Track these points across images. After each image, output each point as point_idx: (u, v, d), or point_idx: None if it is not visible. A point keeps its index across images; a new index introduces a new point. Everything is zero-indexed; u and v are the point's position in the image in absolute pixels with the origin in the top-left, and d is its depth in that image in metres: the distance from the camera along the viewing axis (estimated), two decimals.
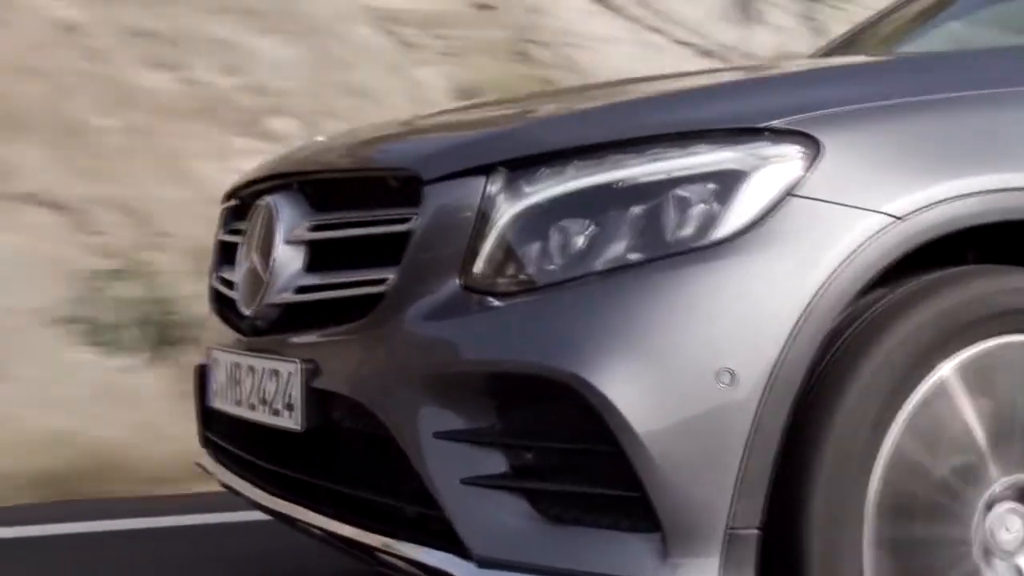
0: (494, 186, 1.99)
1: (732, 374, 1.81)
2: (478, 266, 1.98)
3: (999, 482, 1.95)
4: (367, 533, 2.11)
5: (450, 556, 1.93)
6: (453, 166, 2.03)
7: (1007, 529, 1.96)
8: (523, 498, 1.90)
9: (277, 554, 3.47)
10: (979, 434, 1.93)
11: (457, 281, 1.99)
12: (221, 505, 3.92)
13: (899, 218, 1.88)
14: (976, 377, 1.94)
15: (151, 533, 3.79)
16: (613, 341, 1.83)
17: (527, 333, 1.91)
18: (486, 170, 2.00)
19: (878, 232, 1.87)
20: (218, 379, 2.54)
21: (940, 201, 1.90)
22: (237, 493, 2.62)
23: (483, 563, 1.89)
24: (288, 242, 2.31)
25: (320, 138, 2.63)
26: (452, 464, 1.93)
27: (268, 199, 2.40)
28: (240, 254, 2.51)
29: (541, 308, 1.92)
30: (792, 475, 1.84)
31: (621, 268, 1.89)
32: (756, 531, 1.83)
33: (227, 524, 3.84)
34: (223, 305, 2.69)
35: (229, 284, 2.67)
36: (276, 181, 2.49)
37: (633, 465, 1.80)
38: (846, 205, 1.87)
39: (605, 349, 1.83)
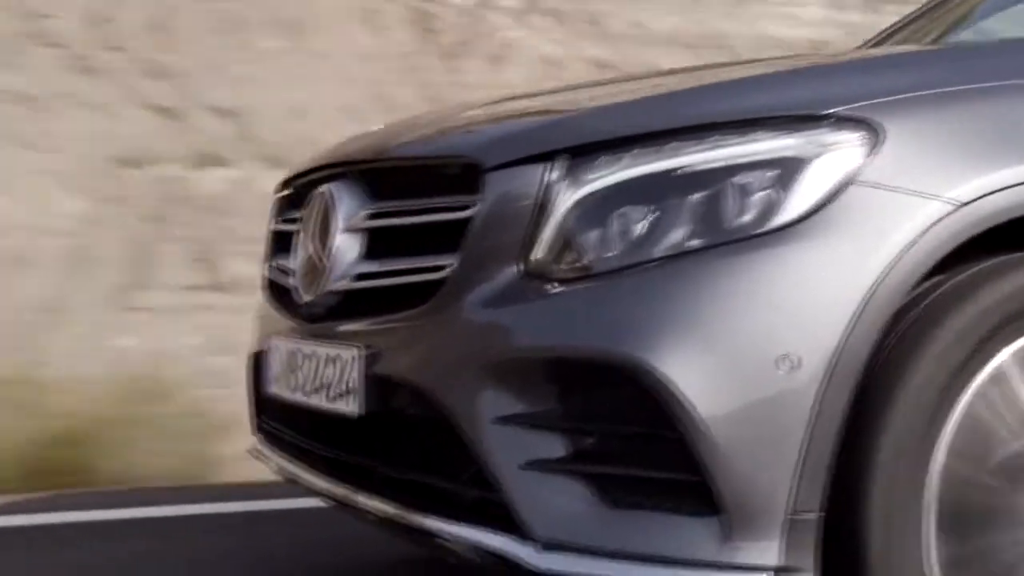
0: (554, 173, 2.01)
1: (794, 360, 1.82)
2: (538, 253, 2.00)
3: None
4: (425, 517, 2.13)
5: (511, 539, 1.96)
6: (513, 154, 2.05)
7: None
8: (584, 482, 1.92)
9: (321, 543, 3.50)
10: None
11: (517, 268, 2.01)
12: (263, 493, 4.00)
13: (962, 204, 1.88)
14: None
15: (187, 522, 3.82)
16: (675, 327, 1.85)
17: (588, 319, 1.93)
18: (546, 158, 2.02)
19: (941, 218, 1.87)
20: (276, 366, 2.57)
21: (1004, 187, 1.90)
22: (293, 478, 2.65)
23: (545, 546, 1.91)
24: (346, 230, 2.34)
25: (376, 127, 2.65)
26: (513, 449, 1.95)
27: (326, 188, 2.43)
28: (297, 242, 2.53)
29: (602, 294, 1.94)
30: (852, 460, 1.85)
31: (682, 255, 1.91)
32: (817, 515, 1.84)
33: (264, 512, 3.87)
34: (279, 293, 2.71)
35: (285, 272, 2.70)
36: (332, 170, 2.52)
37: (695, 450, 1.82)
38: (908, 191, 1.88)
39: (667, 334, 1.84)
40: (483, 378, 1.99)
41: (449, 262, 2.08)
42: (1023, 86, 2.03)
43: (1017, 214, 1.92)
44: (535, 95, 2.70)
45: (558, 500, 1.92)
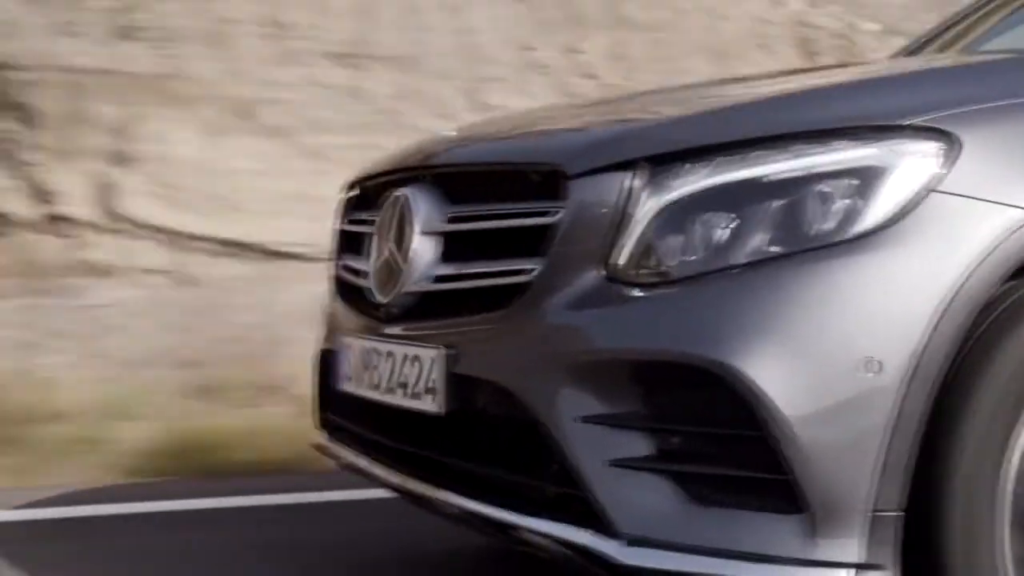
0: (637, 181, 2.07)
1: (877, 363, 1.88)
2: (621, 258, 2.07)
3: None
4: (508, 512, 2.20)
5: (596, 535, 2.02)
6: (598, 162, 2.11)
7: None
8: (669, 480, 1.99)
9: (375, 534, 3.57)
10: None
11: (600, 272, 2.08)
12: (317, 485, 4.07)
13: None
14: None
15: (253, 512, 3.88)
16: (760, 331, 1.91)
17: (673, 323, 1.99)
18: (630, 165, 2.09)
19: (1018, 226, 1.93)
20: (350, 364, 2.63)
21: None
22: (362, 473, 2.72)
23: (630, 541, 1.98)
24: (424, 233, 2.40)
25: (451, 132, 2.71)
26: (598, 447, 2.01)
27: (403, 191, 2.49)
28: (373, 244, 2.59)
29: (685, 299, 2.00)
30: (932, 460, 1.91)
31: (764, 261, 1.97)
32: (898, 512, 1.91)
33: (319, 503, 3.94)
34: (349, 292, 2.78)
35: (355, 272, 2.76)
36: (407, 174, 2.58)
37: (781, 450, 1.89)
38: (985, 200, 1.94)
39: (753, 339, 1.91)
40: (568, 379, 2.05)
41: (533, 266, 2.15)
42: None
43: None
44: (617, 101, 2.76)
45: (643, 497, 1.99)
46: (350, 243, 2.90)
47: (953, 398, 1.92)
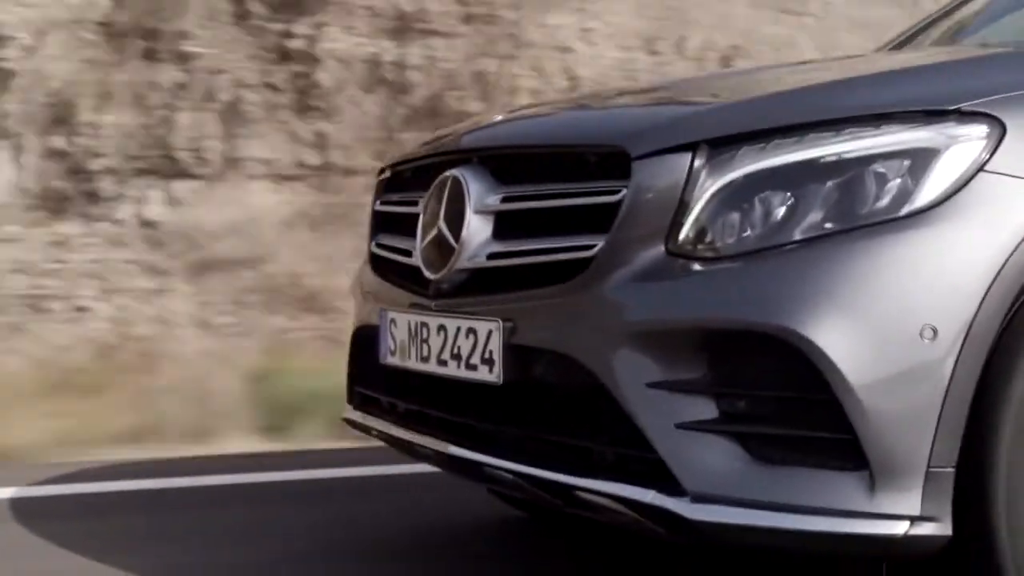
0: (699, 161, 2.21)
1: (932, 330, 2.03)
2: (683, 234, 2.20)
3: None
4: (569, 475, 2.32)
5: (661, 494, 2.15)
6: (661, 143, 2.24)
7: None
8: (733, 440, 2.12)
9: (396, 511, 3.67)
10: None
11: (663, 248, 2.21)
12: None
13: None
14: None
15: (265, 489, 3.97)
16: (825, 301, 2.05)
17: (739, 294, 2.13)
18: (690, 148, 2.22)
19: None
20: (397, 338, 2.73)
21: None
22: (403, 444, 2.83)
23: (697, 498, 2.11)
24: (478, 212, 2.51)
25: (496, 117, 2.83)
26: (665, 411, 2.14)
27: (454, 172, 2.60)
28: (419, 224, 2.69)
29: (746, 272, 2.14)
30: (981, 419, 2.07)
31: (823, 237, 2.11)
32: (951, 469, 2.06)
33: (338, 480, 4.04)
34: (391, 270, 2.88)
35: (397, 251, 2.87)
36: (455, 156, 2.69)
37: (845, 411, 2.03)
38: None
39: (819, 308, 2.05)
40: (635, 347, 2.18)
41: (595, 242, 2.27)
42: None
43: None
44: (672, 84, 2.89)
45: (708, 458, 2.12)
46: (385, 223, 3.01)
47: (1000, 362, 2.07)
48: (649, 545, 3.16)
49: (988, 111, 2.14)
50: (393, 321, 2.76)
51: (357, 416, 3.08)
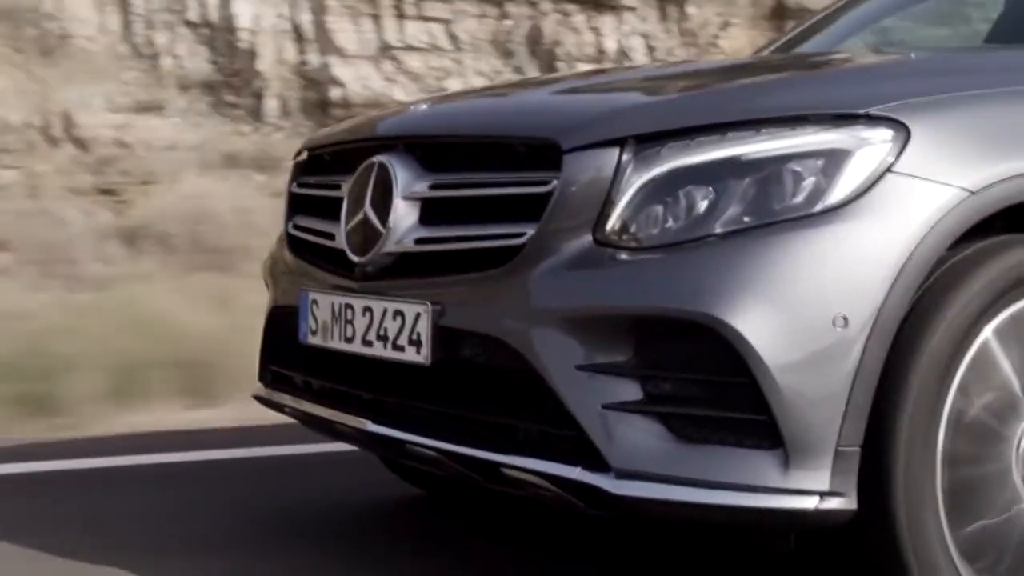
0: (626, 156, 2.33)
1: (845, 319, 2.19)
2: (610, 225, 2.32)
3: None
4: (494, 452, 2.42)
5: (587, 470, 2.27)
6: (591, 138, 2.36)
7: None
8: (657, 421, 2.25)
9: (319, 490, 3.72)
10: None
11: (591, 237, 2.32)
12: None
13: (972, 192, 2.28)
14: (1012, 332, 2.35)
15: (175, 469, 3.99)
16: (746, 290, 2.20)
17: (659, 282, 2.26)
18: (620, 142, 2.34)
19: (956, 204, 2.27)
20: (318, 318, 2.80)
21: (1005, 179, 2.31)
22: (319, 422, 2.90)
23: (621, 475, 2.24)
24: (405, 198, 2.60)
25: (423, 104, 2.91)
26: (593, 392, 2.27)
27: (381, 158, 2.67)
28: (346, 207, 2.76)
29: (672, 261, 2.27)
30: (885, 401, 2.23)
31: (741, 231, 2.25)
32: (858, 448, 2.22)
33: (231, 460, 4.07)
34: (311, 252, 2.94)
35: (313, 232, 2.93)
36: (378, 142, 2.77)
37: (763, 393, 2.17)
38: (931, 180, 2.27)
39: (740, 296, 2.19)
40: (565, 332, 2.30)
41: (527, 230, 2.38)
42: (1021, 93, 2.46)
43: (1013, 202, 2.33)
44: (602, 80, 3.00)
45: (633, 436, 2.25)
46: (302, 205, 3.06)
47: (902, 350, 2.24)
48: (540, 525, 3.28)
49: (894, 116, 2.30)
50: (315, 302, 2.82)
51: (267, 394, 3.13)
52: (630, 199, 2.32)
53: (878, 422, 2.23)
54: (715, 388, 2.23)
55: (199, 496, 3.58)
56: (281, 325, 3.04)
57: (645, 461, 2.24)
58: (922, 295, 2.28)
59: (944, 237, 2.27)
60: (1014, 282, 2.34)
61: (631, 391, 2.26)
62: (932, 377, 2.26)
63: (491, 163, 2.52)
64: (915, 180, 2.27)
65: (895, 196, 2.26)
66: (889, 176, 2.27)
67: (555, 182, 2.37)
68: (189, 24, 8.60)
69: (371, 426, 2.70)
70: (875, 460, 2.24)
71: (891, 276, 2.22)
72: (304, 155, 3.14)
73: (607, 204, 2.33)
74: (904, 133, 2.29)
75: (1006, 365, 2.35)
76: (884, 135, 2.29)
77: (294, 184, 3.13)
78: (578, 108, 2.63)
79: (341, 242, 2.76)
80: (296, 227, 3.06)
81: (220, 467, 3.97)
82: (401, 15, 9.02)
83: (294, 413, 3.02)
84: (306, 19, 8.84)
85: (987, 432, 2.34)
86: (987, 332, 2.32)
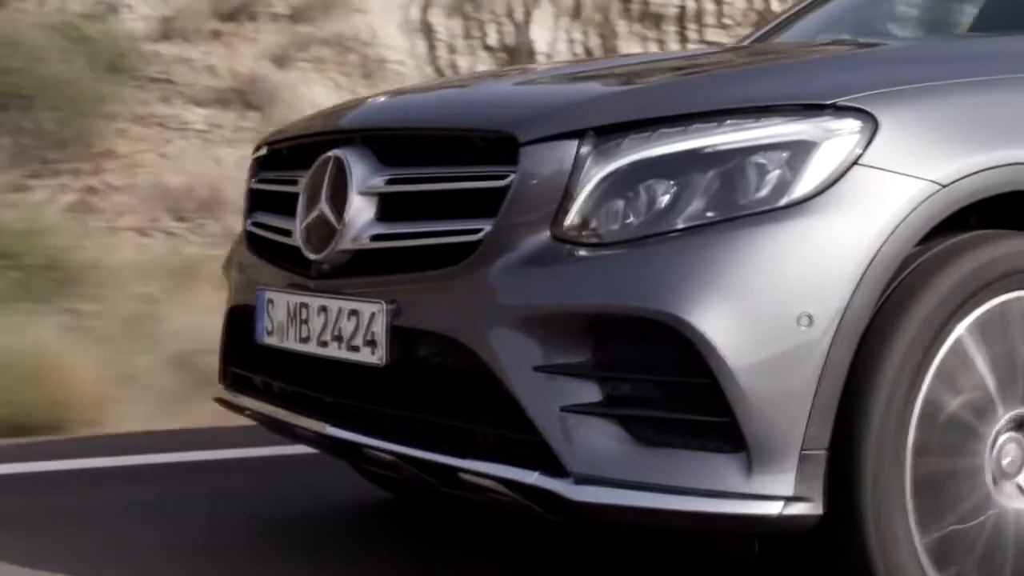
0: (585, 149, 2.25)
1: (810, 317, 2.11)
2: (569, 220, 2.24)
3: (1006, 416, 2.30)
4: (451, 457, 2.34)
5: (545, 475, 2.19)
6: (548, 130, 2.28)
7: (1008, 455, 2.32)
8: (617, 424, 2.17)
9: (286, 490, 3.65)
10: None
11: (549, 233, 2.24)
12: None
13: (943, 185, 2.20)
14: (986, 329, 2.27)
15: (150, 471, 3.91)
16: (707, 288, 2.11)
17: (619, 279, 2.18)
18: (578, 134, 2.26)
19: (926, 197, 2.19)
20: (274, 318, 2.71)
21: (977, 171, 2.23)
22: (279, 424, 2.82)
23: (580, 480, 2.16)
24: (362, 193, 2.51)
25: (381, 97, 2.82)
26: (551, 394, 2.18)
27: (337, 152, 2.59)
28: (302, 203, 2.68)
29: (631, 258, 2.19)
30: (852, 403, 2.15)
31: (704, 225, 2.17)
32: (824, 451, 2.14)
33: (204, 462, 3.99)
34: (269, 249, 2.86)
35: (274, 230, 2.84)
36: (335, 136, 2.68)
37: (725, 394, 2.09)
38: (900, 173, 2.19)
39: (701, 294, 2.11)
40: (521, 331, 2.22)
41: (482, 226, 2.29)
42: (998, 81, 2.37)
43: (987, 195, 2.25)
44: (562, 71, 2.92)
45: (592, 440, 2.17)
46: (262, 201, 2.98)
47: (871, 349, 2.16)
48: (507, 530, 3.21)
49: (862, 106, 2.22)
50: (271, 301, 2.74)
51: (229, 396, 3.05)
52: (589, 193, 2.24)
53: (845, 424, 2.15)
54: (676, 389, 2.15)
55: (165, 497, 3.50)
56: (239, 325, 2.96)
57: (605, 466, 2.16)
58: (891, 292, 2.20)
59: (913, 232, 2.19)
60: (989, 278, 2.26)
61: (590, 393, 2.18)
62: (902, 377, 2.18)
63: (448, 157, 2.44)
64: (883, 173, 2.19)
65: (862, 189, 2.18)
66: (856, 169, 2.19)
67: (512, 176, 2.28)
68: (488, 48, 9.64)
69: (329, 429, 2.62)
70: (842, 463, 2.16)
71: (858, 273, 2.14)
72: (264, 150, 3.06)
73: (565, 199, 2.25)
74: (872, 124, 2.21)
75: (981, 364, 2.27)
76: (851, 126, 2.21)
77: (253, 180, 3.05)
78: (536, 100, 2.55)
79: (297, 239, 2.68)
80: (255, 224, 2.97)
81: (183, 469, 3.89)
82: (684, 38, 9.71)
83: (254, 416, 2.94)
84: (596, 43, 9.63)
85: (960, 434, 2.26)
86: (960, 330, 2.24)
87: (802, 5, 4.17)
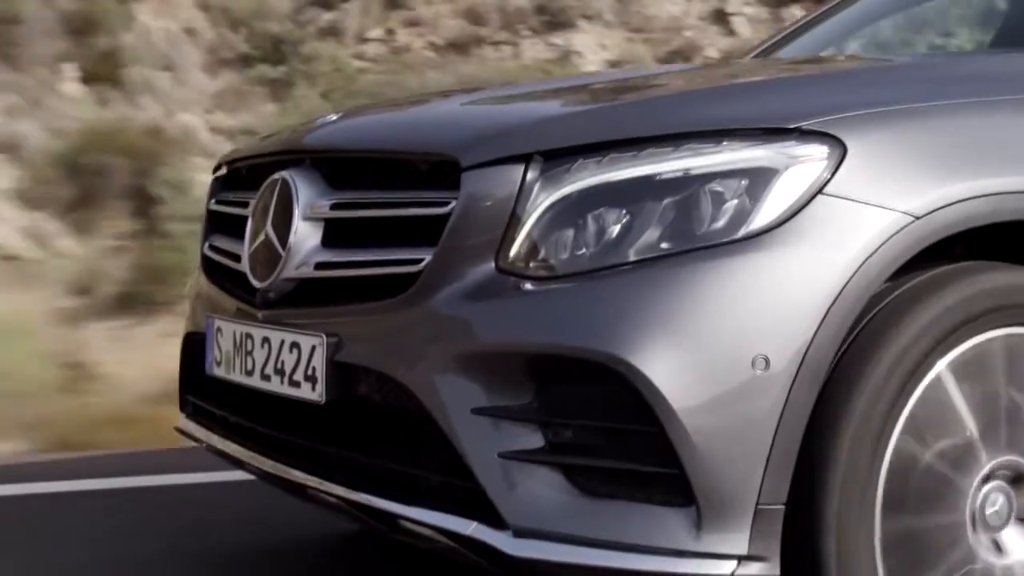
0: (531, 174, 2.08)
1: (764, 359, 1.93)
2: (513, 251, 2.08)
3: (989, 464, 2.11)
4: (391, 502, 2.19)
5: (484, 526, 2.03)
6: (492, 154, 2.11)
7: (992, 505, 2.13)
8: (559, 472, 2.00)
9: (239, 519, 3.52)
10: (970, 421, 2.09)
11: (493, 265, 2.08)
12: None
13: (917, 217, 2.02)
14: (967, 370, 2.09)
15: (119, 494, 3.79)
16: (654, 327, 1.94)
17: (564, 316, 2.01)
18: (524, 159, 2.09)
19: (898, 230, 2.01)
20: (222, 348, 2.58)
21: (955, 201, 2.04)
22: (232, 460, 2.67)
23: (519, 533, 1.99)
24: (307, 218, 2.36)
25: (332, 116, 2.67)
26: (489, 439, 2.02)
27: (284, 174, 2.44)
28: (250, 227, 2.53)
29: (577, 293, 2.02)
30: (814, 454, 1.97)
31: (656, 259, 2.00)
32: (781, 506, 1.96)
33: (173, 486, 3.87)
34: (221, 275, 2.72)
35: (227, 255, 2.70)
36: (287, 157, 2.54)
37: (672, 443, 1.92)
38: (869, 204, 2.01)
39: (646, 334, 1.94)
40: (460, 370, 2.05)
41: (423, 256, 2.14)
42: (977, 104, 2.18)
43: (966, 227, 2.07)
44: (513, 91, 2.75)
45: (533, 489, 2.00)
46: (219, 224, 2.84)
47: (835, 394, 1.98)
48: None
49: (828, 131, 2.04)
50: (219, 330, 2.60)
51: (190, 426, 2.91)
52: (535, 222, 2.08)
53: (806, 477, 1.97)
54: (621, 437, 1.98)
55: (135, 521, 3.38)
56: (194, 353, 2.82)
57: (545, 518, 2.00)
58: (858, 332, 2.02)
59: (883, 267, 2.01)
60: (966, 316, 2.07)
61: (531, 439, 2.02)
62: (870, 424, 2.00)
63: (393, 181, 2.28)
64: (850, 203, 2.01)
65: (827, 221, 2.00)
66: (821, 198, 2.01)
67: (453, 203, 2.12)
68: None
69: (274, 467, 2.47)
70: (802, 520, 1.98)
71: (820, 311, 1.97)
72: (223, 169, 2.92)
73: (510, 228, 2.08)
74: (839, 149, 2.03)
75: (959, 409, 2.08)
76: (817, 152, 2.03)
77: (212, 200, 2.91)
78: (481, 121, 2.38)
79: (245, 265, 2.54)
80: (211, 247, 2.83)
81: (155, 493, 3.77)
82: None
83: (210, 448, 2.80)
84: None
85: (938, 485, 2.07)
86: (935, 373, 2.06)
87: (816, 13, 3.99)
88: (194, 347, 2.83)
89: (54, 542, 3.22)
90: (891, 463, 2.03)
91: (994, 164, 2.11)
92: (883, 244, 2.00)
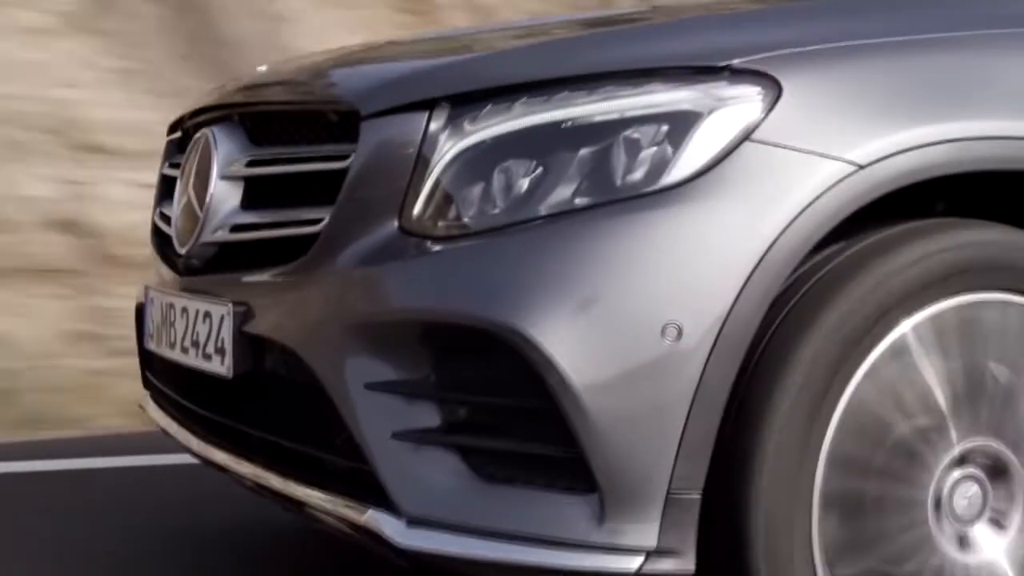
0: (436, 122, 1.87)
1: (678, 329, 1.70)
2: (417, 208, 1.87)
3: (959, 446, 1.85)
4: (296, 485, 2.01)
5: (379, 513, 1.83)
6: (393, 100, 1.91)
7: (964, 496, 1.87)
8: (456, 455, 1.80)
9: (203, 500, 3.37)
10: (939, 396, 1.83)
11: (395, 223, 1.87)
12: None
13: (860, 166, 1.76)
14: (933, 337, 1.83)
15: (76, 475, 3.68)
16: (554, 291, 1.72)
17: (464, 281, 1.80)
18: (428, 105, 1.88)
19: (839, 181, 1.75)
20: (153, 320, 2.42)
21: (906, 149, 1.78)
22: (172, 437, 2.52)
23: (413, 521, 1.79)
24: (224, 177, 2.19)
25: (262, 67, 2.49)
26: (384, 417, 1.82)
27: (206, 131, 2.28)
28: (177, 189, 2.38)
29: (480, 254, 1.81)
30: (737, 437, 1.74)
31: (566, 213, 1.78)
32: (697, 495, 1.73)
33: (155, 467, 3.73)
34: (162, 242, 2.56)
35: (166, 220, 2.55)
36: (216, 113, 2.37)
37: (570, 422, 1.70)
38: (805, 151, 1.76)
39: (545, 300, 1.72)
40: (355, 341, 1.86)
41: (325, 215, 1.94)
42: (931, 41, 1.91)
43: (917, 178, 1.80)
44: (420, 39, 2.55)
45: (429, 473, 1.80)
46: (168, 189, 2.68)
47: (761, 370, 1.74)
48: None
49: (763, 69, 1.79)
50: (151, 300, 2.45)
51: (144, 402, 2.77)
52: (439, 176, 1.86)
53: (726, 461, 1.73)
54: (519, 415, 1.77)
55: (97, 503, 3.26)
56: (140, 325, 2.66)
57: (440, 505, 1.79)
58: (792, 300, 1.77)
59: (818, 224, 1.75)
60: (923, 281, 1.81)
61: (428, 417, 1.81)
62: (802, 403, 1.75)
63: (304, 135, 2.10)
64: (782, 151, 1.76)
65: (754, 170, 1.75)
66: (748, 145, 1.76)
67: (352, 156, 1.92)
68: None
69: (195, 444, 2.31)
70: (723, 509, 1.74)
71: (742, 276, 1.72)
72: (177, 131, 2.75)
73: (412, 183, 1.87)
74: (774, 90, 1.78)
75: (916, 385, 1.82)
76: (747, 92, 1.78)
77: (165, 164, 2.74)
78: (385, 67, 2.17)
79: (172, 229, 2.37)
80: (160, 215, 2.67)
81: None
82: None
83: (158, 427, 2.65)
84: None
85: (893, 468, 1.81)
86: (893, 337, 1.79)
87: None
88: (140, 319, 2.68)
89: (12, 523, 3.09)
90: (833, 445, 1.78)
91: (957, 107, 1.83)
92: (818, 198, 1.74)
